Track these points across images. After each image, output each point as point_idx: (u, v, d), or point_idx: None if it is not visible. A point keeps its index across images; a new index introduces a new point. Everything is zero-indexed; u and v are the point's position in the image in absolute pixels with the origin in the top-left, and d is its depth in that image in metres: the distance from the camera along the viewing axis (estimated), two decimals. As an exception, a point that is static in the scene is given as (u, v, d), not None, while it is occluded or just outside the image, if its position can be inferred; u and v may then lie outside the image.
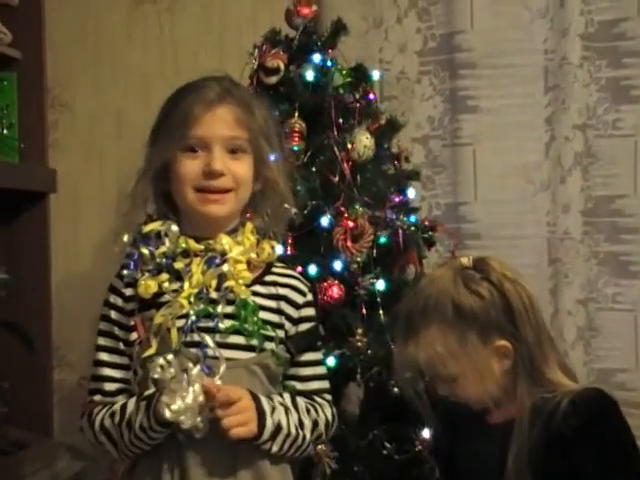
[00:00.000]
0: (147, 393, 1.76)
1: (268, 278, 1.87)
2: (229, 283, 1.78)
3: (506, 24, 2.74)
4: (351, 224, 2.29)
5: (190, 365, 1.69)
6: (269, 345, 1.81)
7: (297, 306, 1.88)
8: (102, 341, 1.86)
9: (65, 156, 2.89)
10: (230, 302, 1.79)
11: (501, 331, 1.76)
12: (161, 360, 1.69)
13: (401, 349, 1.83)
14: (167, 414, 1.64)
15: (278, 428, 1.77)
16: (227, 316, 1.78)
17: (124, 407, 1.78)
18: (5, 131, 2.70)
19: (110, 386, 1.83)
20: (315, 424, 1.87)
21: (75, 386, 2.65)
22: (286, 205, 1.90)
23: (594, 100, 2.71)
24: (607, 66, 2.70)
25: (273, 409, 1.78)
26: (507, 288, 1.77)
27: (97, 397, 1.84)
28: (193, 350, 1.75)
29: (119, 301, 1.84)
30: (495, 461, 1.77)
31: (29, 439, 2.48)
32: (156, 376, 1.69)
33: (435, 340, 1.76)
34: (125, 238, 1.83)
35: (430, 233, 2.47)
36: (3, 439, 2.42)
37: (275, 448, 1.78)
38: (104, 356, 1.85)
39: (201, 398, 1.66)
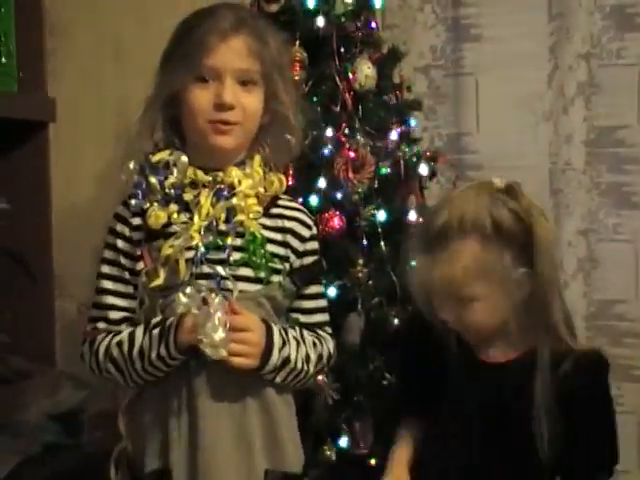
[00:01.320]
0: (156, 321, 1.77)
1: (274, 210, 1.87)
2: (240, 217, 1.78)
3: (509, -49, 2.70)
4: (352, 155, 2.28)
5: (212, 295, 1.70)
6: (276, 277, 1.82)
7: (303, 239, 1.88)
8: (106, 269, 1.85)
9: (64, 85, 2.86)
10: (238, 235, 1.79)
11: (528, 259, 1.75)
12: (182, 296, 1.70)
13: (423, 265, 1.79)
14: (208, 350, 1.67)
15: (285, 361, 1.79)
16: (235, 248, 1.79)
17: (132, 336, 1.79)
18: (3, 59, 2.67)
19: (114, 314, 1.84)
20: (319, 357, 1.89)
21: (77, 316, 2.67)
22: (293, 138, 1.88)
23: (598, 29, 2.68)
24: (611, -6, 2.66)
25: (284, 343, 1.79)
26: (535, 219, 1.76)
27: (101, 324, 1.85)
28: (202, 282, 1.75)
29: (126, 230, 1.83)
30: (485, 400, 1.80)
31: (32, 368, 2.50)
32: (181, 308, 1.70)
33: (469, 255, 1.74)
34: (131, 166, 1.81)
35: (432, 164, 2.46)
36: (6, 368, 2.44)
37: (278, 379, 1.81)
38: (108, 284, 1.85)
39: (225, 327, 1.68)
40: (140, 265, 1.81)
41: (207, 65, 1.78)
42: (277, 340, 1.78)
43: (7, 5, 2.69)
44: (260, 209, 1.82)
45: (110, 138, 2.77)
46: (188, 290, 1.71)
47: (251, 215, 1.80)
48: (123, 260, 1.84)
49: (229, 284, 1.76)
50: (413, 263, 1.87)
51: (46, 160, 2.80)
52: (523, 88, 2.71)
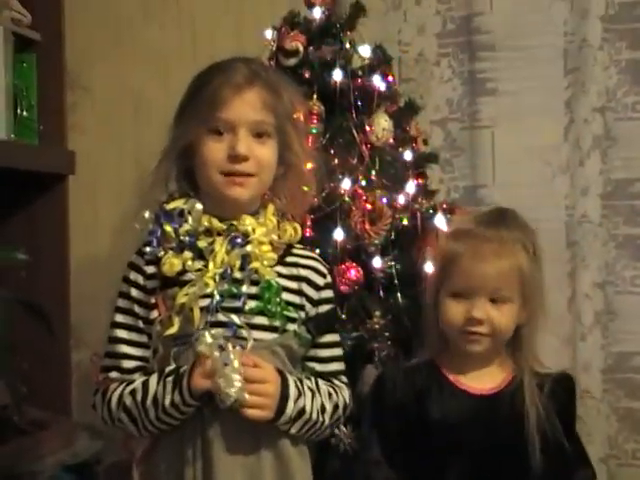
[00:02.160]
0: (170, 369, 1.77)
1: (289, 259, 1.88)
2: (254, 264, 1.79)
3: (525, 6, 2.72)
4: (369, 206, 2.29)
5: (229, 344, 1.70)
6: (291, 326, 1.82)
7: (318, 287, 1.89)
8: (120, 318, 1.86)
9: (84, 138, 2.90)
10: (253, 283, 1.80)
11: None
12: (207, 335, 1.70)
13: (488, 256, 1.92)
14: (229, 391, 1.66)
15: (301, 413, 1.79)
16: (250, 297, 1.79)
17: (146, 384, 1.78)
18: (25, 113, 2.71)
19: (128, 363, 1.84)
20: (335, 408, 1.88)
21: (90, 365, 2.67)
22: (307, 189, 1.90)
23: (614, 83, 2.69)
24: (627, 48, 2.68)
25: (299, 394, 1.78)
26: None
27: (113, 374, 1.84)
28: (218, 330, 1.74)
29: (140, 278, 1.84)
30: (480, 432, 1.90)
31: (48, 419, 2.50)
32: (203, 347, 1.70)
33: (521, 259, 1.92)
34: (146, 215, 1.82)
35: (448, 216, 2.46)
36: (22, 419, 2.43)
37: (294, 430, 1.80)
38: (122, 333, 1.85)
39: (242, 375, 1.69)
40: (154, 314, 1.82)
41: (221, 118, 1.80)
42: (292, 391, 1.77)
43: (29, 60, 2.74)
44: (275, 256, 1.83)
45: (128, 190, 2.79)
46: (214, 331, 1.71)
47: (265, 262, 1.80)
48: (137, 309, 1.84)
49: (244, 333, 1.76)
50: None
51: (65, 212, 2.83)
52: (539, 141, 2.72)
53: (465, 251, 1.94)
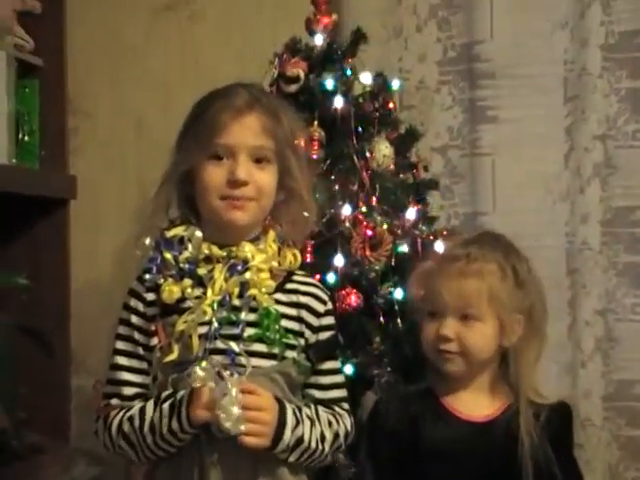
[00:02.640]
0: (166, 394, 1.77)
1: (289, 286, 1.88)
2: (252, 291, 1.79)
3: (526, 34, 2.73)
4: (370, 233, 2.30)
5: (226, 372, 1.70)
6: (290, 353, 1.82)
7: (318, 314, 1.88)
8: (121, 345, 1.86)
9: (85, 163, 2.91)
10: (252, 310, 1.80)
11: (524, 310, 1.96)
12: (198, 369, 1.69)
13: (440, 273, 1.95)
14: (227, 425, 1.66)
15: (299, 441, 1.78)
16: (249, 324, 1.79)
17: (143, 410, 1.78)
18: (26, 137, 2.72)
19: (128, 390, 1.84)
20: (336, 436, 1.88)
21: (92, 393, 2.66)
22: (308, 215, 1.90)
23: (614, 111, 2.70)
24: (627, 77, 2.69)
25: (297, 422, 1.78)
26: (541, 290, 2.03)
27: (114, 401, 1.85)
28: (217, 357, 1.74)
29: (140, 305, 1.84)
30: (476, 458, 1.91)
31: (47, 444, 2.49)
32: (197, 382, 1.69)
33: (489, 277, 1.92)
34: (147, 241, 1.82)
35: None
36: (21, 443, 2.42)
37: (292, 459, 1.79)
38: (123, 360, 1.85)
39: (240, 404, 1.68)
40: (154, 341, 1.82)
41: (220, 143, 1.80)
42: (290, 420, 1.77)
43: (32, 85, 2.75)
44: (273, 283, 1.83)
45: (130, 215, 2.80)
46: (204, 364, 1.71)
47: (264, 289, 1.80)
48: (137, 336, 1.84)
49: (243, 360, 1.75)
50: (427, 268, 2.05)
51: (66, 236, 2.83)
52: (539, 168, 2.72)
53: (435, 270, 1.99)
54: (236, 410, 1.67)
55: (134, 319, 1.85)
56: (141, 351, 1.84)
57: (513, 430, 1.91)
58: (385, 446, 1.96)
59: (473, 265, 1.95)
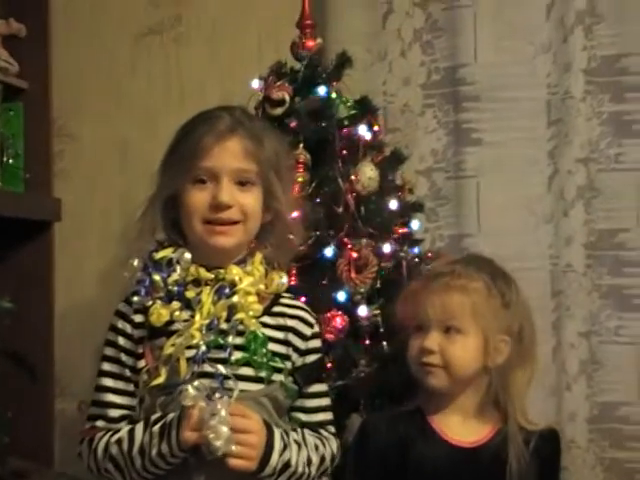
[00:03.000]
0: (155, 417, 1.76)
1: (276, 309, 1.88)
2: (240, 315, 1.79)
3: (510, 58, 2.74)
4: (355, 255, 2.30)
5: (216, 394, 1.70)
6: (277, 377, 1.82)
7: (305, 338, 1.89)
8: (107, 367, 1.85)
9: (70, 186, 2.91)
10: (239, 333, 1.79)
11: (512, 333, 1.97)
12: (190, 388, 1.69)
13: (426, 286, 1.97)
14: (217, 443, 1.65)
15: (286, 466, 1.77)
16: (236, 347, 1.79)
17: (132, 433, 1.77)
18: (11, 160, 2.72)
19: (114, 412, 1.83)
20: (322, 459, 1.87)
21: (77, 416, 2.65)
22: (294, 237, 1.90)
23: (596, 134, 2.71)
24: (609, 100, 2.70)
25: (285, 447, 1.77)
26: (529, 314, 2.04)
27: (100, 423, 1.84)
28: (204, 381, 1.73)
29: (127, 327, 1.84)
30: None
31: (30, 469, 2.47)
32: (188, 401, 1.68)
33: (475, 293, 1.93)
34: (135, 262, 1.82)
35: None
36: (5, 468, 2.41)
37: (278, 483, 1.78)
38: (109, 382, 1.84)
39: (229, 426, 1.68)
40: (142, 363, 1.81)
41: (203, 166, 1.81)
42: (277, 444, 1.76)
43: (17, 108, 2.75)
44: (260, 307, 1.82)
45: (114, 239, 2.80)
46: (196, 383, 1.70)
47: (251, 313, 1.80)
48: (124, 357, 1.84)
49: (230, 383, 1.75)
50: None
51: (50, 259, 2.83)
52: (523, 191, 2.73)
53: (420, 285, 2.01)
54: (226, 430, 1.66)
55: (121, 341, 1.84)
56: (127, 373, 1.83)
57: (501, 456, 1.91)
58: (373, 467, 1.95)
59: (458, 280, 1.96)
